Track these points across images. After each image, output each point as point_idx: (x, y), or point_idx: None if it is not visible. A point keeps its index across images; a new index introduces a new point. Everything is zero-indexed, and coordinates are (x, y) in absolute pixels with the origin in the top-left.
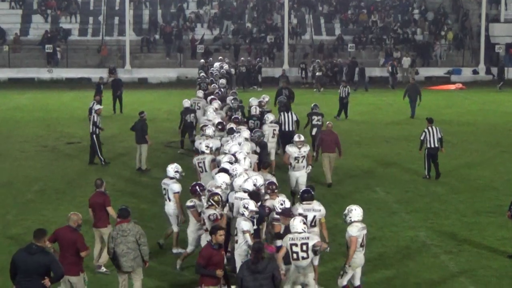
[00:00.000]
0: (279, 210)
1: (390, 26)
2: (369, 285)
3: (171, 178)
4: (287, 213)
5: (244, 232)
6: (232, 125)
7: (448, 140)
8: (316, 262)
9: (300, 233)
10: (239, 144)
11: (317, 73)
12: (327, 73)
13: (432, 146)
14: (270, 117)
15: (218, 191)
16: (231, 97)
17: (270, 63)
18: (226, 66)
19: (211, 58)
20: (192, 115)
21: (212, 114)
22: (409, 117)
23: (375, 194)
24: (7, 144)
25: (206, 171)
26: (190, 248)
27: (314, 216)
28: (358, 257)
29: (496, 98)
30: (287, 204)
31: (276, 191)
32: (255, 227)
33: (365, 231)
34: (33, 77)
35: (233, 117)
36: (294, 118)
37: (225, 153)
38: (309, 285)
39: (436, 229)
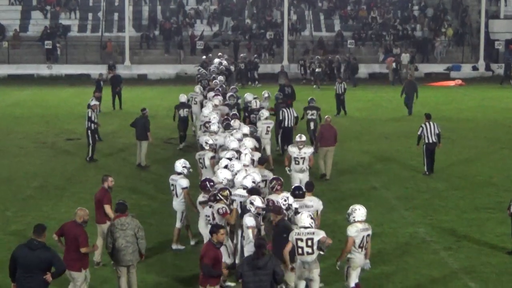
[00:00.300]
0: (283, 207)
1: (390, 22)
2: (368, 281)
3: (179, 173)
4: (277, 210)
5: (248, 228)
6: (231, 121)
7: (447, 136)
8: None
9: (306, 228)
10: (238, 140)
11: (316, 70)
12: (326, 70)
13: (430, 141)
14: (264, 113)
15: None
16: (229, 94)
17: (270, 59)
18: (225, 63)
19: (210, 55)
20: (186, 110)
21: (207, 110)
22: (410, 114)
23: (375, 190)
24: (7, 141)
25: (205, 167)
26: None
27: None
28: (358, 258)
29: (495, 95)
30: (291, 200)
31: (280, 187)
32: (262, 224)
33: (366, 233)
34: (33, 73)
35: (232, 113)
36: (295, 114)
37: (227, 149)
38: (314, 281)
39: (435, 225)
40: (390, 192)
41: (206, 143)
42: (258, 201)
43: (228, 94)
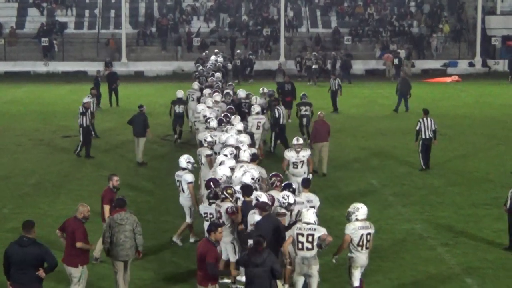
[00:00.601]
0: (284, 204)
1: (386, 18)
2: (365, 277)
3: (184, 169)
4: (263, 207)
5: (251, 225)
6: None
7: (444, 132)
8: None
9: (309, 223)
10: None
11: (313, 66)
12: (322, 66)
13: (427, 137)
14: (256, 108)
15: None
16: (225, 91)
17: (267, 56)
18: (221, 59)
19: (207, 51)
20: (182, 106)
21: (201, 106)
22: (396, 111)
23: (371, 186)
24: (3, 138)
25: (203, 164)
26: None
27: (298, 210)
28: (359, 257)
29: (492, 91)
30: (291, 199)
31: (279, 184)
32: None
33: (366, 231)
34: (29, 70)
35: (228, 107)
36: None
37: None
38: (313, 277)
39: (432, 221)
40: (387, 189)
41: (205, 140)
42: (264, 197)
43: (224, 92)
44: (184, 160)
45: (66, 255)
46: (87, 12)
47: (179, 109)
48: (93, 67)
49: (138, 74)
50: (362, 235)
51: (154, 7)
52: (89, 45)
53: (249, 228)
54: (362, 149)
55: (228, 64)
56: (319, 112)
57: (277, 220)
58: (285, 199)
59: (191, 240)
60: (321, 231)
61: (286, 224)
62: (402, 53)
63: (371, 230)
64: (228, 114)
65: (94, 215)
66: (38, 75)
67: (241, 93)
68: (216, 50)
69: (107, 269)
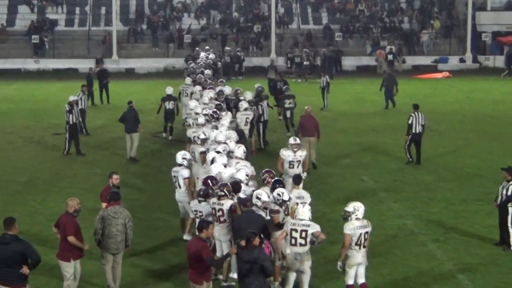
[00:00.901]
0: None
1: (377, 15)
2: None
3: (180, 165)
4: (244, 202)
5: None
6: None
7: (435, 128)
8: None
9: (302, 220)
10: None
11: (304, 63)
12: (313, 63)
13: (417, 131)
14: (244, 104)
15: None
16: (218, 89)
17: (258, 52)
18: (212, 56)
19: (197, 48)
20: (172, 102)
21: (193, 103)
22: (387, 108)
23: (363, 182)
24: None
25: (195, 161)
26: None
27: (287, 205)
28: (353, 256)
29: (482, 87)
30: (285, 196)
31: (271, 180)
32: (268, 217)
33: (364, 230)
34: (20, 68)
35: (216, 104)
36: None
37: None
38: (305, 273)
39: (423, 217)
40: (378, 185)
41: (198, 137)
42: (264, 195)
43: (217, 89)
44: (180, 156)
45: (60, 250)
46: (77, 9)
47: (169, 105)
48: (84, 65)
49: (129, 71)
50: (360, 234)
51: (144, 4)
52: (80, 42)
53: None
54: (354, 145)
55: (218, 61)
56: (306, 107)
57: (259, 216)
58: (280, 196)
59: (183, 236)
60: (315, 228)
61: (280, 221)
62: (392, 49)
63: (369, 229)
64: (217, 111)
65: (87, 212)
66: (28, 72)
67: (227, 89)
68: (207, 47)
69: (98, 266)
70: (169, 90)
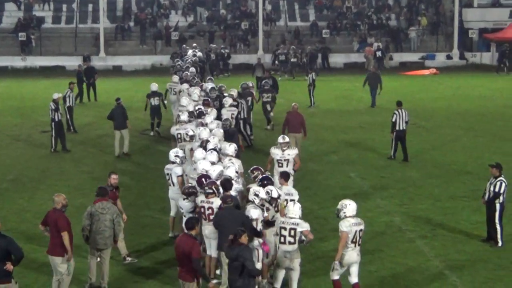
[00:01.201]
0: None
1: (364, 11)
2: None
3: (173, 162)
4: (224, 199)
5: (252, 220)
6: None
7: (422, 125)
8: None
9: (292, 218)
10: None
11: (292, 59)
12: (301, 60)
13: (401, 128)
14: (228, 101)
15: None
16: (210, 87)
17: (245, 49)
18: (199, 54)
19: (184, 45)
20: (157, 98)
21: (185, 100)
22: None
23: (350, 179)
24: None
25: (185, 158)
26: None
27: (277, 201)
28: (348, 254)
29: (469, 83)
30: (274, 193)
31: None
32: (265, 214)
33: (358, 227)
34: (7, 65)
35: (203, 99)
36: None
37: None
38: (294, 270)
39: (411, 214)
40: (365, 181)
41: (187, 134)
42: (262, 192)
43: (210, 87)
44: (173, 154)
45: (51, 245)
46: (64, 7)
47: (154, 101)
48: (71, 62)
49: (116, 69)
50: (356, 231)
51: (132, 1)
52: (67, 39)
53: None
54: (341, 142)
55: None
56: (293, 104)
57: (240, 213)
58: (269, 193)
59: (170, 234)
60: (303, 227)
61: (269, 219)
62: (379, 46)
63: (363, 227)
64: (202, 108)
65: (75, 209)
66: (15, 70)
67: (209, 85)
68: (194, 44)
69: (86, 263)
70: (154, 87)
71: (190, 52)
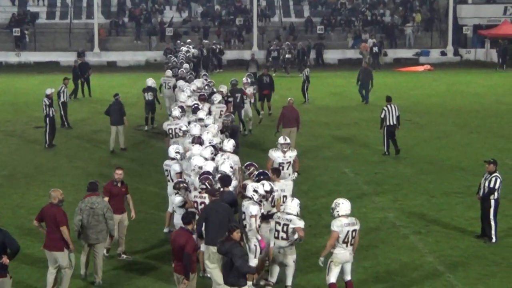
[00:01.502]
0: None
1: (359, 8)
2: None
3: (172, 159)
4: (212, 193)
5: (251, 216)
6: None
7: (416, 121)
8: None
9: (288, 214)
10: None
11: (286, 55)
12: (295, 56)
13: (391, 123)
14: (217, 97)
15: (192, 174)
16: (205, 83)
17: (240, 45)
18: (193, 50)
19: (178, 41)
20: (151, 93)
21: (183, 96)
22: (363, 103)
23: (344, 175)
24: None
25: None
26: None
27: (273, 196)
28: (340, 253)
29: (464, 80)
30: (267, 187)
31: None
32: (262, 210)
33: (352, 228)
34: (1, 61)
35: (199, 94)
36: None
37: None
38: (288, 266)
39: (405, 210)
40: (359, 177)
41: (180, 129)
42: (261, 189)
43: (205, 83)
44: (173, 150)
45: (50, 240)
46: (58, 2)
47: (148, 96)
48: (66, 58)
49: (110, 64)
50: (348, 231)
51: None
52: (61, 35)
53: (247, 219)
54: (335, 138)
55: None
56: (289, 98)
57: (226, 207)
58: (262, 186)
59: (165, 230)
60: (296, 224)
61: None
62: (371, 42)
63: (357, 227)
64: (199, 103)
65: (68, 205)
66: (10, 65)
67: (198, 83)
68: (188, 40)
69: (78, 259)
70: (149, 82)
71: (184, 48)
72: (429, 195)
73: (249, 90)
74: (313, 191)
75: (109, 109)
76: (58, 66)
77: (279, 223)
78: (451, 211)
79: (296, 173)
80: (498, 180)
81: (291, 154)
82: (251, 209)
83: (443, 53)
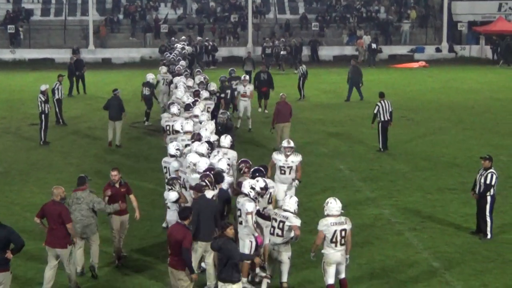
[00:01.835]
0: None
1: (354, 4)
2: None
3: (172, 156)
4: (198, 188)
5: (247, 213)
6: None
7: (411, 117)
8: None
9: (285, 211)
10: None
11: (281, 52)
12: (291, 53)
13: (385, 119)
14: (204, 94)
15: (187, 171)
16: (199, 80)
17: (235, 42)
18: (188, 47)
19: (173, 38)
20: (148, 88)
21: (180, 92)
22: (359, 100)
23: (340, 172)
24: None
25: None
26: None
27: (270, 193)
28: (331, 253)
29: (458, 76)
30: (261, 183)
31: (247, 170)
32: (258, 207)
33: (340, 227)
34: None
35: (194, 90)
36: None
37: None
38: (283, 263)
39: (400, 206)
40: (355, 174)
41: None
42: (258, 186)
43: (198, 81)
44: (173, 147)
45: (53, 238)
46: None
47: (145, 91)
48: (60, 55)
49: (105, 61)
50: (335, 231)
51: None
52: (56, 32)
53: (243, 216)
54: (330, 134)
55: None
56: (281, 94)
57: (213, 203)
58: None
59: (164, 225)
60: (292, 222)
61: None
62: (367, 39)
63: (347, 226)
64: (196, 100)
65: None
66: (4, 62)
67: (190, 81)
68: (183, 37)
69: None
70: (148, 77)
71: (179, 45)
72: (424, 192)
73: (249, 88)
74: (308, 188)
75: (108, 104)
76: (53, 63)
77: (275, 220)
78: (446, 207)
79: (297, 181)
80: (494, 176)
81: (294, 159)
82: (247, 206)
83: (438, 50)
